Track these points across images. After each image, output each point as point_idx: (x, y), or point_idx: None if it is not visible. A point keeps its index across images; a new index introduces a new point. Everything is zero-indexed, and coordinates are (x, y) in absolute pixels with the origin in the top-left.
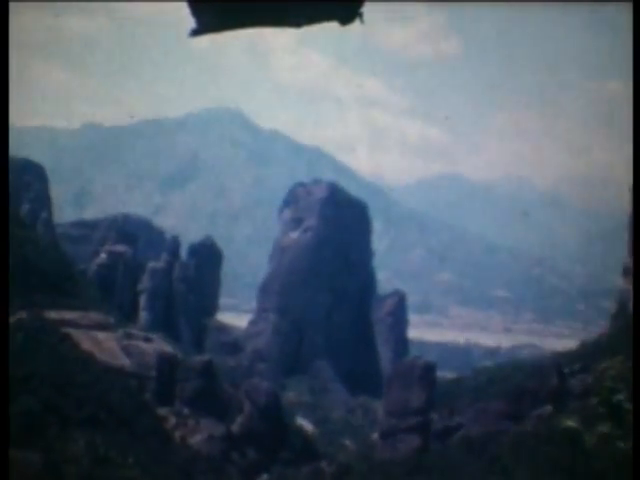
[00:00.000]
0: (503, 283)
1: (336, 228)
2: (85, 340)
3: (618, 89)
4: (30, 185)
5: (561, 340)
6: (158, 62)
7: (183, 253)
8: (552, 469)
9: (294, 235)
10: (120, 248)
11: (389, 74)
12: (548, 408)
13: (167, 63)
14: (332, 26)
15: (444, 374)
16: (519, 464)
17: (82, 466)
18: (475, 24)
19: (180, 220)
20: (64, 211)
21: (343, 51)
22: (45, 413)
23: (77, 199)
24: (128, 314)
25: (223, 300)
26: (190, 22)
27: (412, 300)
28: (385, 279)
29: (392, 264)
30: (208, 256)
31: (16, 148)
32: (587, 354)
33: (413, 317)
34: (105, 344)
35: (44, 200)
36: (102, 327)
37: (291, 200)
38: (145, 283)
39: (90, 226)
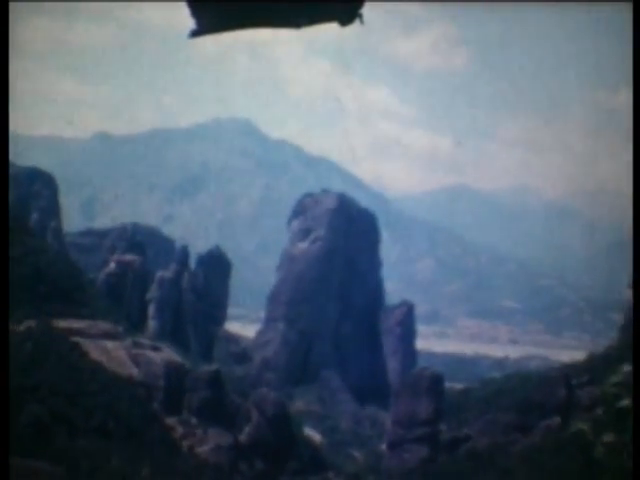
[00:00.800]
0: (511, 294)
1: (345, 238)
2: (94, 349)
3: (628, 100)
4: (39, 194)
5: (569, 352)
6: (167, 72)
7: (192, 262)
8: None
9: (303, 245)
10: (129, 257)
11: (398, 84)
12: (556, 420)
13: (176, 73)
14: (341, 36)
15: (452, 385)
16: (527, 476)
17: (90, 476)
18: (484, 35)
19: (189, 229)
20: (73, 220)
21: (352, 61)
22: (54, 422)
23: (86, 208)
24: (137, 323)
25: (231, 310)
26: (190, 23)
27: (420, 311)
28: (393, 290)
29: (400, 275)
30: (217, 266)
31: (26, 157)
32: (595, 366)
33: (421, 328)
34: (114, 353)
35: (53, 209)
36: (111, 336)
37: (300, 210)
38: (154, 292)
39: (99, 235)
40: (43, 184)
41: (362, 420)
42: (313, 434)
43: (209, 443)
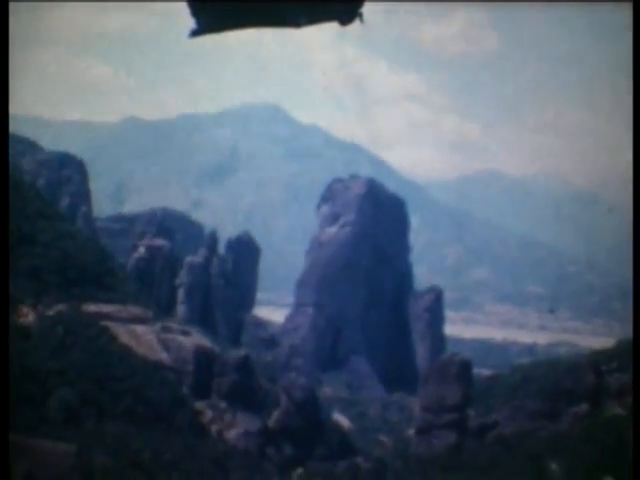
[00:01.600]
0: (540, 280)
1: (374, 224)
2: (123, 333)
3: None
4: (70, 179)
5: (598, 338)
6: (197, 57)
7: (221, 248)
8: (588, 467)
9: (332, 230)
10: (159, 242)
11: (427, 70)
12: (584, 406)
13: (206, 58)
14: (372, 22)
15: (480, 371)
16: (555, 462)
17: (116, 460)
18: (512, 21)
19: (218, 215)
20: (103, 205)
21: (381, 47)
22: (82, 406)
23: (116, 193)
24: (166, 308)
25: (260, 295)
26: (191, 22)
27: (449, 296)
28: (422, 275)
29: (429, 260)
30: (246, 251)
31: (56, 143)
32: (624, 353)
33: (450, 313)
34: (143, 337)
35: (84, 194)
36: (140, 320)
37: (329, 196)
38: (183, 277)
39: (129, 220)
40: (73, 169)
41: (390, 406)
42: (341, 419)
43: (238, 428)
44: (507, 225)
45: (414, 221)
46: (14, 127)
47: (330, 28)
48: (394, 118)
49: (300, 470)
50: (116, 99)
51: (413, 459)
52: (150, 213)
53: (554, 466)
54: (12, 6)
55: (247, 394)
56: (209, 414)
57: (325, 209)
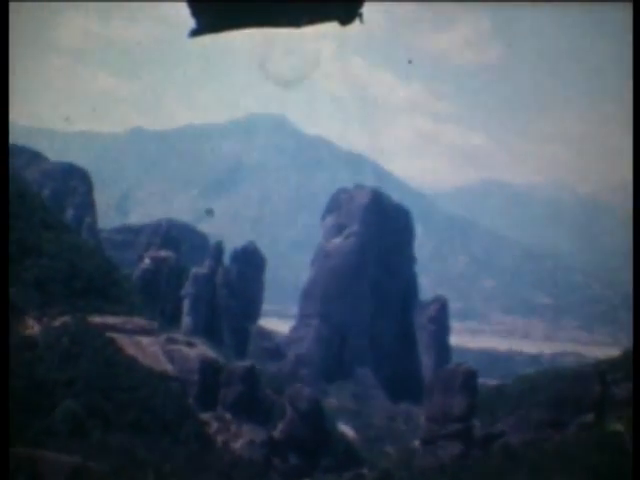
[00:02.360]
0: (545, 290)
1: (379, 234)
2: (129, 345)
3: None
4: (75, 190)
5: (604, 348)
6: (202, 68)
7: (226, 259)
8: (595, 478)
9: (337, 241)
10: (164, 253)
11: (432, 80)
12: (590, 416)
13: (211, 69)
14: (373, 32)
15: (486, 381)
16: (561, 472)
17: (122, 471)
18: (517, 30)
19: (224, 226)
20: (108, 216)
21: (386, 57)
22: (89, 417)
23: (121, 204)
24: (171, 319)
25: (265, 306)
26: (191, 22)
27: (454, 307)
28: (427, 285)
29: (434, 270)
30: (251, 262)
31: (61, 153)
32: (630, 362)
33: (455, 324)
34: (148, 349)
35: (89, 205)
36: (146, 332)
37: (334, 206)
38: (188, 288)
39: (134, 231)
40: (78, 180)
41: (396, 416)
42: (347, 430)
43: (243, 438)
44: (513, 235)
45: (419, 231)
46: (19, 138)
47: (335, 38)
48: (399, 128)
49: None
50: (122, 109)
51: (418, 470)
52: (155, 224)
53: (560, 477)
54: (18, 14)
55: (253, 405)
56: (215, 425)
57: (330, 219)
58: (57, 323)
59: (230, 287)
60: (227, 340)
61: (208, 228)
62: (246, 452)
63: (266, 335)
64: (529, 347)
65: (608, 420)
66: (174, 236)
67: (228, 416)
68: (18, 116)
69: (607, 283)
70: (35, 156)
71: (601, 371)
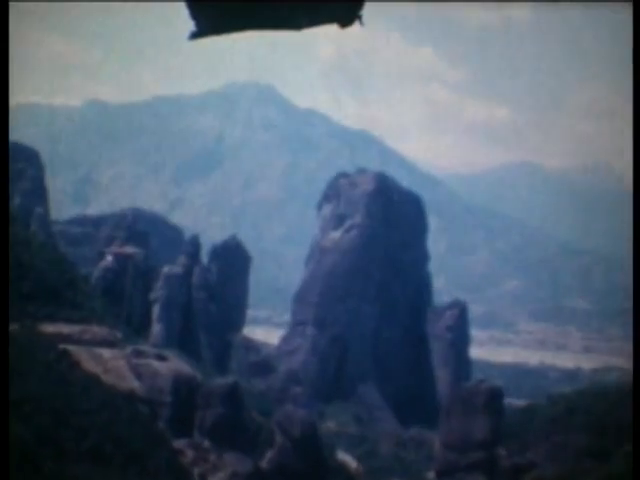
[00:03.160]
0: (584, 293)
1: (385, 226)
2: (87, 359)
3: None
4: (22, 174)
5: None
6: (173, 30)
7: (204, 255)
8: None
9: (335, 235)
10: (129, 250)
11: (448, 44)
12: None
13: (183, 31)
14: None
15: (513, 401)
16: None
17: None
18: None
19: (201, 216)
20: (63, 205)
21: (393, 18)
22: (40, 445)
23: (79, 191)
24: (138, 328)
25: (251, 312)
26: (190, 24)
27: (475, 312)
28: (443, 287)
29: (451, 269)
30: (233, 259)
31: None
32: None
33: (476, 333)
34: (111, 363)
35: (39, 192)
36: (107, 343)
37: (332, 193)
38: (159, 291)
39: (94, 223)
40: (27, 162)
41: (406, 442)
42: (348, 459)
43: (224, 470)
44: (545, 227)
45: (433, 223)
46: None
47: None
48: (408, 100)
49: None
50: (77, 78)
51: None
52: (119, 215)
53: None
54: None
55: (235, 430)
56: (190, 454)
57: (327, 209)
58: None
59: (209, 290)
60: (205, 353)
61: (182, 219)
62: None
63: (252, 347)
64: (564, 361)
65: None
66: (141, 229)
67: (206, 444)
68: None
69: None
70: None
71: None
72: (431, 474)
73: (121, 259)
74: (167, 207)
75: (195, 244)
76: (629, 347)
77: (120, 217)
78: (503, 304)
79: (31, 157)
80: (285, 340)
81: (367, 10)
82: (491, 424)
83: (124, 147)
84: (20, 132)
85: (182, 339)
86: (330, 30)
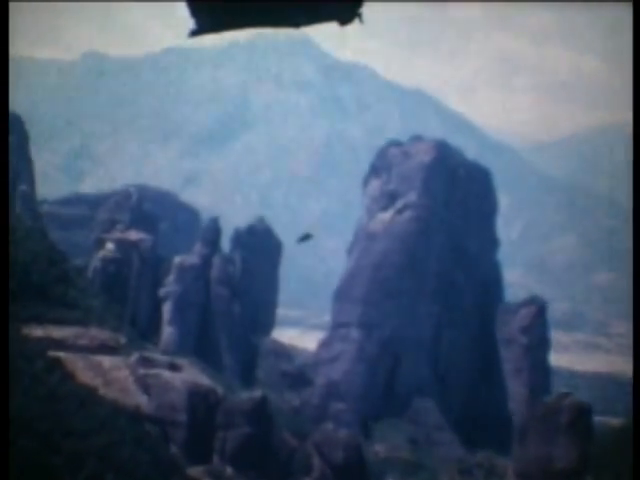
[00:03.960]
0: None
1: (446, 206)
2: (83, 368)
3: None
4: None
5: None
6: None
7: (225, 243)
8: None
9: (385, 217)
10: (134, 236)
11: None
12: None
13: None
14: None
15: (604, 419)
16: None
17: None
18: None
19: (221, 195)
20: (54, 181)
21: None
22: (28, 473)
23: (72, 165)
24: (146, 331)
25: (282, 311)
26: (190, 23)
27: (556, 311)
28: (516, 281)
29: (527, 259)
30: (261, 247)
31: None
32: None
33: (558, 335)
34: (112, 374)
35: (23, 165)
36: (108, 349)
37: (381, 166)
38: (170, 286)
39: (90, 203)
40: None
41: (471, 470)
42: None
43: None
44: None
45: (504, 202)
46: None
47: None
48: (473, 51)
49: None
50: (71, 27)
51: None
52: (122, 193)
53: None
54: None
55: (264, 454)
56: None
57: (375, 186)
58: None
59: (231, 284)
60: (227, 361)
61: (198, 199)
62: None
63: (283, 353)
64: None
65: None
66: (149, 210)
67: (229, 471)
68: None
69: None
70: None
71: None
72: None
73: (124, 247)
74: (180, 184)
75: (214, 229)
76: None
77: (122, 196)
78: (591, 301)
79: (12, 122)
80: (324, 345)
81: None
82: (577, 448)
83: (127, 110)
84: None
85: (199, 344)
86: None
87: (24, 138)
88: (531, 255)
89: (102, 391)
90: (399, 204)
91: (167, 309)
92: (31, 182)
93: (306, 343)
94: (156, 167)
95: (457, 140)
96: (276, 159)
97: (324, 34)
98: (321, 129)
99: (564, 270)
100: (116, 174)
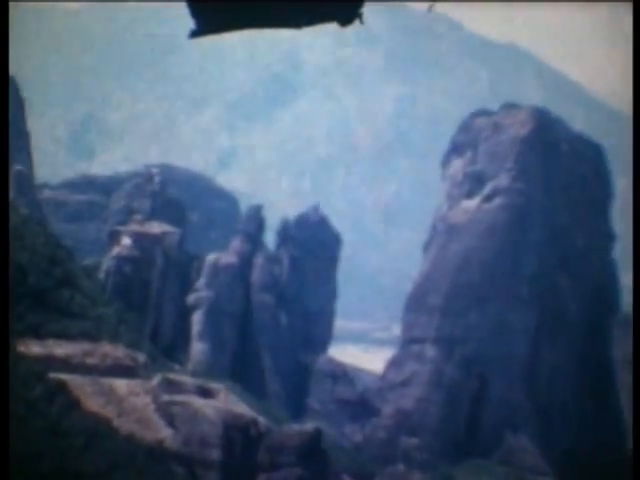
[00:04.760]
0: None
1: (547, 192)
2: (93, 394)
3: None
4: None
5: None
6: None
7: (269, 237)
8: None
9: (470, 205)
10: (156, 228)
11: None
12: None
13: None
14: None
15: None
16: None
17: None
18: None
19: (264, 178)
20: (56, 159)
21: None
22: None
23: (79, 138)
24: (170, 347)
25: (341, 323)
26: (190, 23)
27: None
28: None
29: None
30: (315, 243)
31: None
32: None
33: None
34: (129, 401)
35: (18, 141)
36: (124, 370)
37: (465, 141)
38: (202, 291)
39: (103, 188)
40: None
41: None
42: None
43: None
44: None
45: (621, 185)
46: None
47: None
48: None
49: None
50: None
51: None
52: (141, 175)
53: None
54: None
55: None
56: None
57: (458, 166)
58: None
59: (277, 289)
60: (272, 385)
61: (236, 182)
62: None
63: (342, 376)
64: None
65: None
66: (175, 197)
67: None
68: None
69: None
70: None
71: None
72: None
73: (144, 243)
74: (214, 164)
75: (256, 219)
76: None
77: (142, 179)
78: None
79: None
80: (393, 366)
81: None
82: None
83: (148, 71)
84: None
85: (236, 364)
86: None
87: (19, 106)
88: None
89: (116, 422)
90: (487, 189)
91: (197, 320)
92: (28, 161)
93: (370, 363)
94: (183, 143)
95: (561, 108)
96: (334, 133)
97: None
98: (390, 95)
99: None
100: (134, 151)
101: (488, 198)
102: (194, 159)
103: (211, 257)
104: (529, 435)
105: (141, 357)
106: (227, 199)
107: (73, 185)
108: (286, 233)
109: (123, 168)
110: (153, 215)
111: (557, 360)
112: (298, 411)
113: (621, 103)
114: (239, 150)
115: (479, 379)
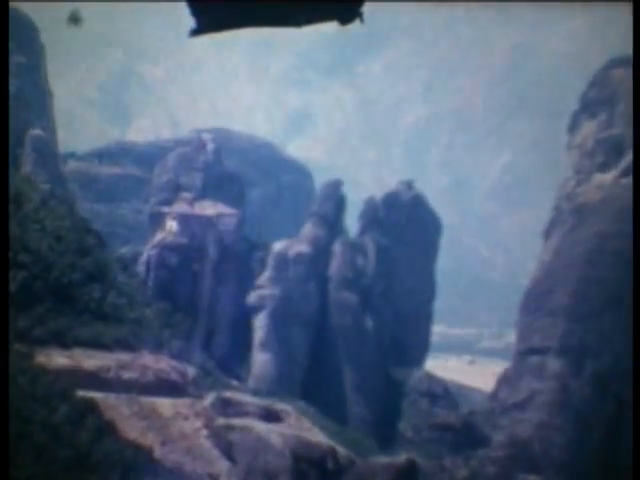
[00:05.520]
0: None
1: None
2: (131, 417)
3: None
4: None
5: None
6: None
7: (351, 220)
8: None
9: (606, 179)
10: (210, 209)
11: None
12: None
13: None
14: None
15: None
16: None
17: None
18: None
19: (345, 146)
20: (84, 124)
21: None
22: None
23: (112, 97)
24: (227, 358)
25: (440, 328)
26: (191, 22)
27: None
28: None
29: None
30: (408, 228)
31: None
32: None
33: None
34: (176, 426)
35: (37, 98)
36: (169, 387)
37: (598, 99)
38: (267, 288)
39: (141, 158)
40: (17, 42)
41: None
42: None
43: None
44: None
45: None
46: None
47: None
48: None
49: None
50: None
51: None
52: (191, 143)
53: None
54: None
55: None
56: None
57: (588, 131)
58: None
59: (361, 285)
60: (354, 406)
61: (311, 151)
62: None
63: (442, 394)
64: None
65: None
66: (232, 169)
67: None
68: None
69: None
70: None
71: None
72: None
73: (194, 227)
74: (282, 128)
75: (334, 198)
76: None
77: (192, 147)
78: None
79: (19, 29)
80: (506, 383)
81: None
82: None
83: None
84: None
85: (310, 380)
86: None
87: (39, 55)
88: None
89: (159, 452)
90: (627, 160)
91: (261, 324)
92: (49, 125)
93: (478, 379)
94: (244, 102)
95: None
96: (431, 88)
97: None
98: (505, 44)
99: None
100: (181, 113)
101: (628, 171)
102: (257, 122)
103: (278, 245)
104: None
105: (190, 371)
106: (298, 172)
107: (106, 154)
108: (372, 215)
109: (166, 134)
110: (205, 193)
111: None
112: (387, 439)
113: None
114: (315, 111)
115: (616, 400)
